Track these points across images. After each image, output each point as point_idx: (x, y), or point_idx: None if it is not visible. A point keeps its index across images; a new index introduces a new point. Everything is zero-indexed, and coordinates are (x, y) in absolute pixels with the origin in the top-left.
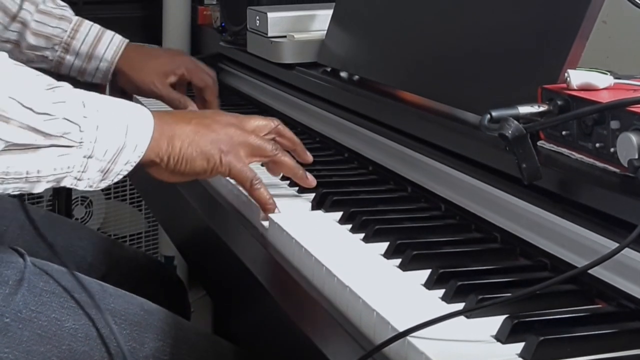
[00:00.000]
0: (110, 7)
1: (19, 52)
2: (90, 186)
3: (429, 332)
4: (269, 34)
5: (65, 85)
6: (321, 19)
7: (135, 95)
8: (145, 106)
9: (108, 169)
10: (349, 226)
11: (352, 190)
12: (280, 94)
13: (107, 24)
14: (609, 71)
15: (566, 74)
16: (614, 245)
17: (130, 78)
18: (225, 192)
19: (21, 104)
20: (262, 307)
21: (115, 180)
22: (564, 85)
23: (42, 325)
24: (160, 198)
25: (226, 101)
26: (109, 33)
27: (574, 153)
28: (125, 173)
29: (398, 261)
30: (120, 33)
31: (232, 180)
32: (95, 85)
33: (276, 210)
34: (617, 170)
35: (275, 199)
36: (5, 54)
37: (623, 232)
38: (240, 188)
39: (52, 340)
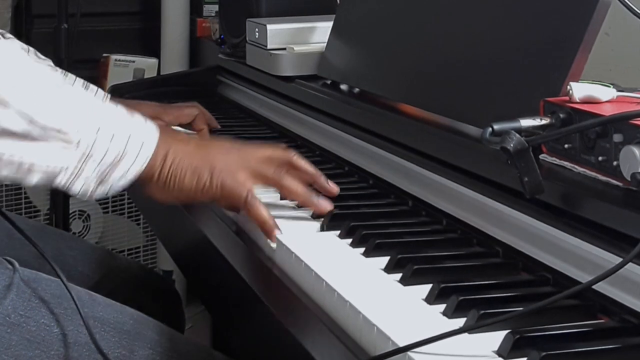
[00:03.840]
0: (108, 19)
1: None
2: (86, 190)
3: (430, 347)
4: (269, 46)
5: (77, 86)
6: (321, 31)
7: None
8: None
9: (106, 174)
10: (349, 240)
11: (352, 204)
12: (279, 107)
13: (105, 36)
14: (611, 84)
15: (569, 87)
16: (617, 259)
17: None
18: None
19: (26, 93)
20: (261, 322)
21: (111, 193)
22: (567, 98)
23: (30, 330)
24: (158, 212)
25: (225, 114)
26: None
27: (576, 166)
28: (123, 184)
29: (399, 276)
30: (118, 45)
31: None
32: None
33: (277, 232)
34: (620, 184)
35: (272, 213)
36: (25, 51)
37: (626, 247)
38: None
39: (40, 345)
